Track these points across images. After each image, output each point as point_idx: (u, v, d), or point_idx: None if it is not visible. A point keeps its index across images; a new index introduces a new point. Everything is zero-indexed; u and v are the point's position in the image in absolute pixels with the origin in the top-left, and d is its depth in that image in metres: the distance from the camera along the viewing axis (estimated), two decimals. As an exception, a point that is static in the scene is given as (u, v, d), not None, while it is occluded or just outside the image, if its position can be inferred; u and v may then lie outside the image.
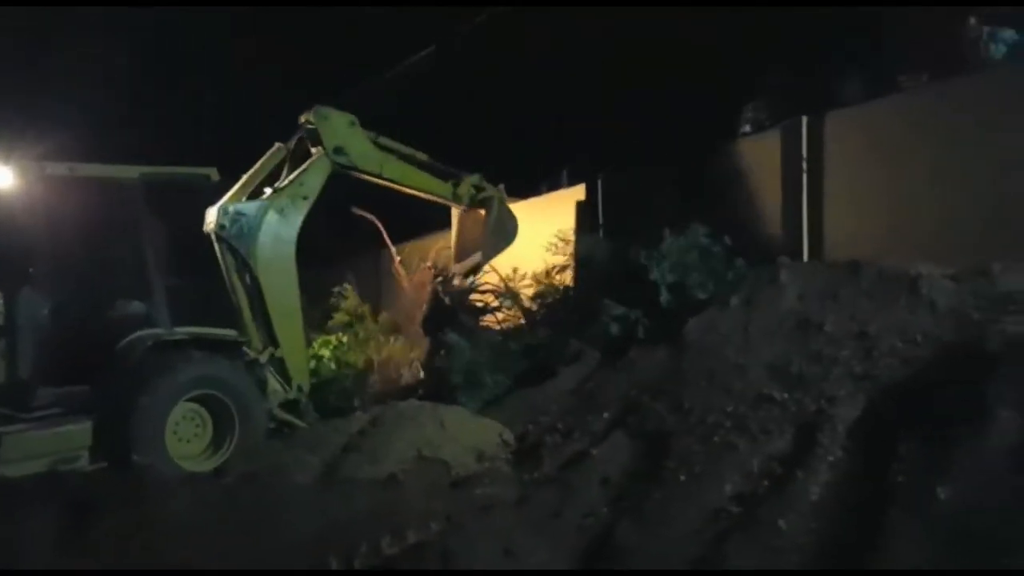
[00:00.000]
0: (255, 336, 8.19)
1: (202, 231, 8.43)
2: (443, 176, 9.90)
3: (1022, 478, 4.09)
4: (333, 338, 11.02)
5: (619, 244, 9.59)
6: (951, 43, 9.08)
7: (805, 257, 8.48)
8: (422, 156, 9.69)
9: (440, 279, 10.39)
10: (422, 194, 9.73)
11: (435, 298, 10.18)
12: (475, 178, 10.03)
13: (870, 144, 8.19)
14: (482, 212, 10.26)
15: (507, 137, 15.90)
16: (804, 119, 8.66)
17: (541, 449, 6.60)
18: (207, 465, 7.24)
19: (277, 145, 8.80)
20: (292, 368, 8.20)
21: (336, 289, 11.77)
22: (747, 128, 10.35)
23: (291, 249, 8.40)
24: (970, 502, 4.11)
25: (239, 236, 8.14)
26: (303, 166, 8.67)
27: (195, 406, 7.37)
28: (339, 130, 8.79)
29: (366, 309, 11.92)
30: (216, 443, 7.44)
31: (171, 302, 7.57)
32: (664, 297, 8.28)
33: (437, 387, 8.70)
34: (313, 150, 8.76)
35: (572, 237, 10.71)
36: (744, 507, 4.86)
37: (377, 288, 13.54)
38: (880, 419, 5.13)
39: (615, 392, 7.21)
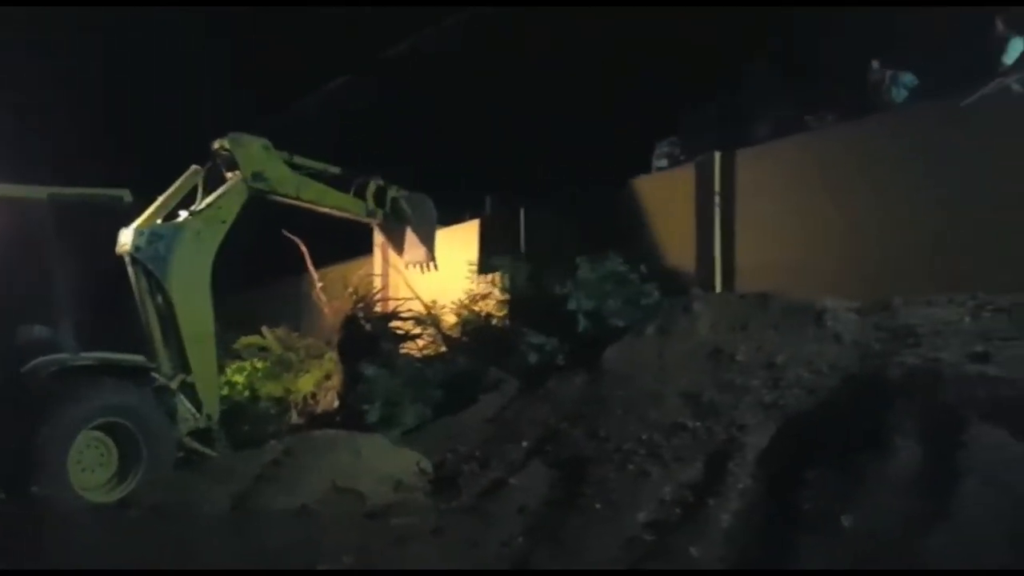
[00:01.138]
0: (165, 361, 7.95)
1: (114, 254, 8.18)
2: (351, 185, 9.90)
3: (921, 505, 4.28)
4: (247, 364, 10.75)
5: (539, 272, 9.72)
6: (856, 86, 9.58)
7: (718, 288, 8.74)
8: (334, 170, 9.66)
9: (361, 305, 10.29)
10: (337, 213, 9.70)
11: (355, 324, 10.08)
12: (372, 185, 10.02)
13: (778, 180, 8.54)
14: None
15: (431, 163, 15.94)
16: (717, 155, 8.97)
17: (459, 478, 6.58)
18: (112, 496, 6.93)
19: (194, 168, 8.64)
20: (203, 395, 7.98)
21: (263, 328, 11.59)
22: (664, 162, 10.66)
23: (206, 273, 8.25)
24: (872, 528, 4.28)
25: (154, 258, 7.94)
26: (220, 190, 8.54)
27: (100, 434, 7.07)
28: (255, 155, 8.73)
29: (285, 336, 11.70)
30: (122, 473, 7.12)
31: (79, 326, 7.29)
32: (582, 324, 8.40)
33: (355, 416, 8.59)
34: (228, 175, 8.66)
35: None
36: (657, 535, 4.93)
37: (298, 313, 13.30)
38: (787, 447, 5.30)
39: (534, 420, 7.26)
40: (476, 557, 5.24)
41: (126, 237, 8.00)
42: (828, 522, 4.34)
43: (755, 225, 8.64)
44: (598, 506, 5.35)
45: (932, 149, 7.37)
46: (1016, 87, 7.36)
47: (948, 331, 5.87)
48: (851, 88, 9.48)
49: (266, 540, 5.15)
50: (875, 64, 9.45)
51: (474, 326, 10.31)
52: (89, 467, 7.00)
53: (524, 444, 6.83)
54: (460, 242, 12.15)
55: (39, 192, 7.22)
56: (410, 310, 10.53)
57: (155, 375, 7.68)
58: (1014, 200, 6.75)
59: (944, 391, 4.88)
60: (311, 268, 11.00)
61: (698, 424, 5.93)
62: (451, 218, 13.68)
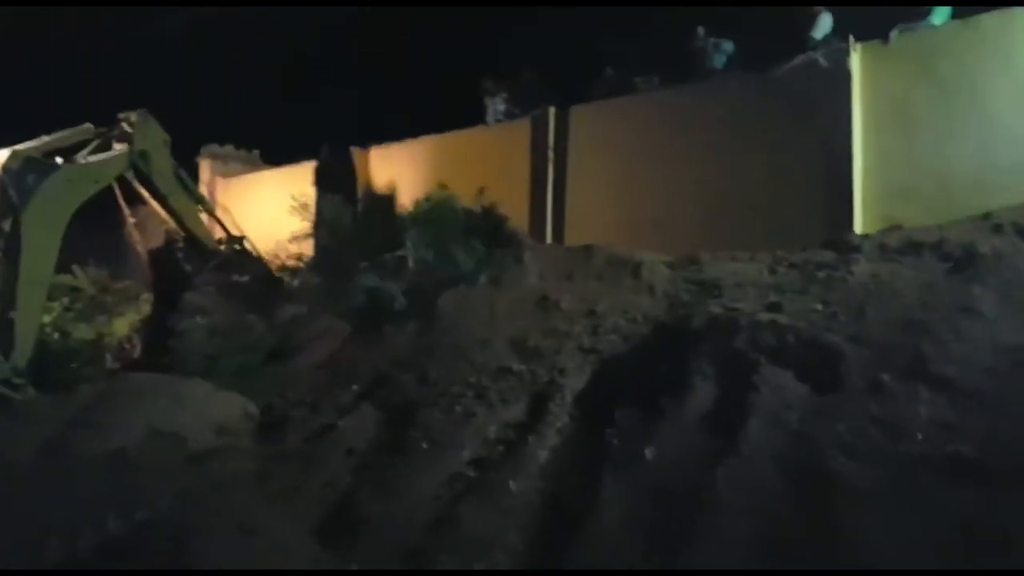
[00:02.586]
0: None
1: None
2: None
3: (711, 440, 4.73)
4: (56, 304, 10.05)
5: (376, 218, 9.70)
6: (681, 51, 10.06)
7: (549, 239, 9.07)
8: (209, 204, 10.24)
9: (180, 245, 9.85)
10: (188, 233, 9.71)
11: (171, 264, 9.69)
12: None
13: (607, 138, 8.92)
14: None
15: (270, 104, 15.39)
16: (552, 110, 9.24)
17: (287, 423, 6.56)
18: None
19: (87, 125, 8.67)
20: (19, 338, 7.59)
21: (74, 266, 10.89)
22: (501, 116, 10.83)
23: (63, 221, 8.07)
24: (669, 461, 4.70)
25: (20, 185, 7.71)
26: (104, 154, 8.61)
27: None
28: (151, 139, 8.94)
29: (99, 276, 11.04)
30: None
31: None
32: (412, 269, 8.50)
33: (176, 361, 8.31)
34: (117, 146, 8.70)
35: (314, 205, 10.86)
36: (480, 471, 5.19)
37: (117, 252, 12.52)
38: (602, 389, 5.68)
39: (365, 366, 7.30)
40: (300, 500, 5.30)
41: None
42: (633, 455, 4.74)
43: (585, 180, 9.00)
44: (425, 446, 5.53)
45: (745, 116, 7.93)
46: (823, 61, 8.01)
47: (748, 284, 6.42)
48: (676, 53, 9.95)
49: (78, 486, 4.96)
50: (699, 31, 9.95)
51: (303, 269, 10.19)
52: None
53: (355, 388, 6.87)
54: (292, 184, 11.88)
55: None
56: (234, 249, 10.24)
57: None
58: (814, 166, 7.42)
59: (740, 338, 5.36)
60: (122, 204, 10.40)
61: (523, 368, 6.21)
62: (285, 160, 13.37)
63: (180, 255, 9.70)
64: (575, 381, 5.81)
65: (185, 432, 6.01)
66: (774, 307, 5.65)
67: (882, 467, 4.21)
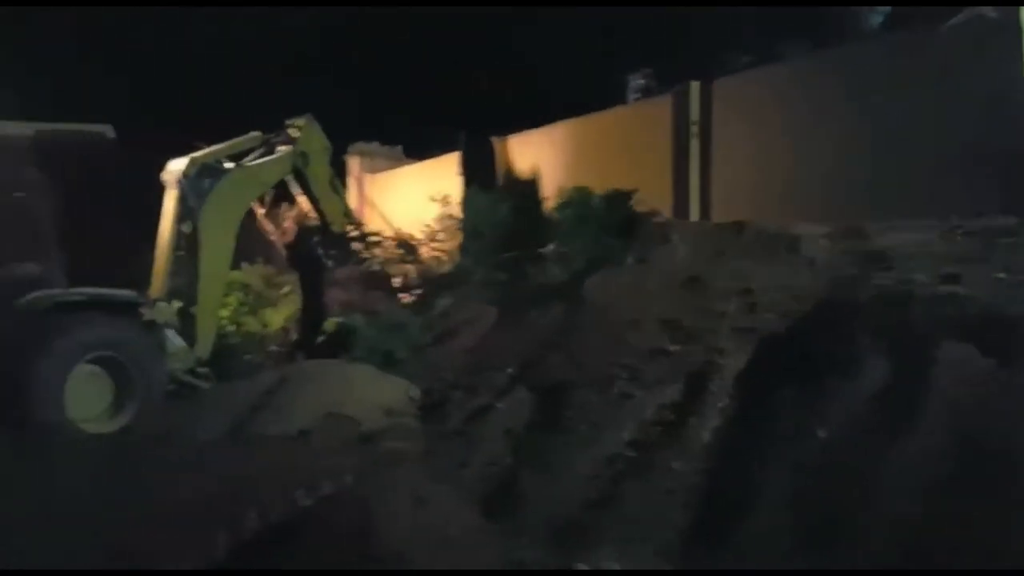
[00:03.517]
0: (163, 286, 8.14)
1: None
2: None
3: (885, 418, 4.54)
4: (232, 299, 10.82)
5: (516, 207, 9.85)
6: (832, 12, 9.64)
7: (694, 217, 8.92)
8: (354, 217, 10.91)
9: (316, 238, 10.24)
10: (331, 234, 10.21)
11: (313, 258, 10.15)
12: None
13: (754, 110, 8.65)
14: None
15: (406, 96, 15.82)
16: (695, 84, 9.05)
17: (447, 404, 6.77)
18: (109, 427, 7.07)
19: (256, 133, 9.25)
20: (200, 331, 8.20)
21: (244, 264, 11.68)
22: (639, 93, 10.72)
23: (236, 220, 8.76)
24: (841, 440, 4.54)
25: (197, 189, 8.33)
26: (270, 157, 9.24)
27: (95, 368, 7.20)
28: (313, 142, 9.53)
29: (266, 272, 11.76)
30: (117, 405, 7.28)
31: (67, 261, 7.35)
32: (551, 271, 8.61)
33: (336, 350, 8.79)
34: (281, 149, 9.31)
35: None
36: (639, 452, 5.18)
37: (249, 241, 13.11)
38: (764, 368, 5.53)
39: (515, 349, 7.42)
40: (465, 476, 5.49)
41: (178, 164, 8.40)
42: (801, 435, 4.61)
43: (732, 154, 8.78)
44: (582, 427, 5.58)
45: (906, 77, 7.50)
46: (992, 13, 7.46)
47: (920, 254, 6.09)
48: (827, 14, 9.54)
49: (267, 463, 5.35)
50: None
51: (450, 259, 10.49)
52: (85, 400, 7.13)
53: (508, 371, 6.98)
54: (434, 177, 12.21)
55: (24, 129, 7.23)
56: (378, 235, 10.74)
57: (142, 310, 7.76)
58: (985, 126, 6.94)
59: (914, 311, 5.10)
60: None
61: (677, 348, 6.12)
62: (419, 153, 13.73)
63: (319, 249, 10.15)
64: (734, 361, 5.66)
65: (356, 414, 6.35)
66: (952, 278, 5.33)
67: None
